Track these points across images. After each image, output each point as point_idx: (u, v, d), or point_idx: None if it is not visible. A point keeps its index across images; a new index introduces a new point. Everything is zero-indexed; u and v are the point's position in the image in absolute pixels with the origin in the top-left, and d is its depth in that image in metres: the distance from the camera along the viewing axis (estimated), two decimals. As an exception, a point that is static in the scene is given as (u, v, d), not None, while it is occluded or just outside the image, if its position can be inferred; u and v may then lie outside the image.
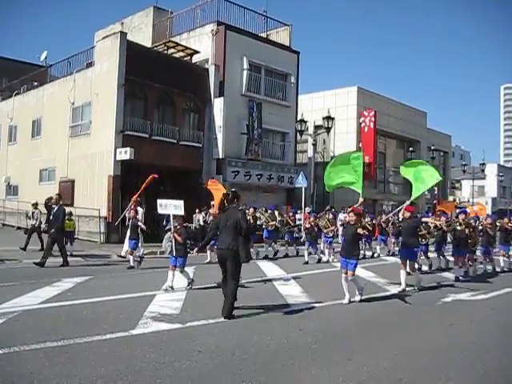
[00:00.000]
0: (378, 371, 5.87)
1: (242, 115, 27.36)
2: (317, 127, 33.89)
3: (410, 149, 39.87)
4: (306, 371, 5.78)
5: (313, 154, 29.51)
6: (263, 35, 30.18)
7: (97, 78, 23.91)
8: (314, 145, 28.74)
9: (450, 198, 54.05)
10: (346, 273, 9.80)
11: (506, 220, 17.19)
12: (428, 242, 15.83)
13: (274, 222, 18.75)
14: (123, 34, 23.54)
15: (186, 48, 27.66)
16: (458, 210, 18.46)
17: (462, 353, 6.82)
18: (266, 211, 19.59)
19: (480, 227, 15.68)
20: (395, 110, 41.78)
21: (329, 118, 26.28)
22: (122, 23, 32.29)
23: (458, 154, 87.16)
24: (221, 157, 26.09)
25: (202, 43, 27.86)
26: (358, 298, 9.88)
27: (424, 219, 14.93)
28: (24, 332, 6.88)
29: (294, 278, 12.96)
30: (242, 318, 8.15)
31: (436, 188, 44.94)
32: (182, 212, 10.82)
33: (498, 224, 16.59)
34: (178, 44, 27.71)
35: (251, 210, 17.40)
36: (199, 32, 28.39)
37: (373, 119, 37.42)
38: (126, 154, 21.82)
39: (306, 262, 16.57)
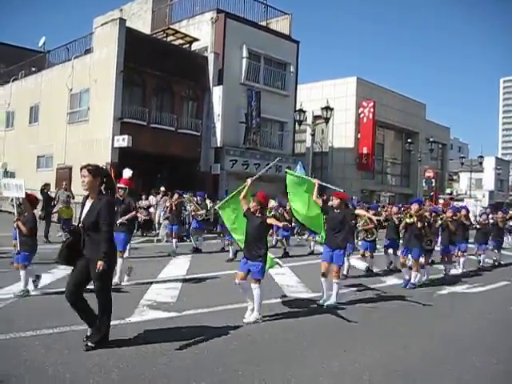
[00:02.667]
0: (374, 363, 5.87)
1: (241, 104, 27.24)
2: (315, 117, 33.78)
3: (409, 140, 39.89)
4: (301, 361, 5.78)
5: (311, 144, 29.41)
6: (263, 24, 29.96)
7: (95, 64, 23.77)
8: (313, 135, 28.64)
9: (448, 191, 54.12)
10: (244, 278, 7.54)
11: (463, 212, 14.12)
12: (376, 237, 12.86)
13: (203, 211, 15.85)
14: (122, 21, 23.39)
15: (186, 35, 27.49)
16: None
17: (457, 346, 6.83)
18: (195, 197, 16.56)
19: (439, 221, 12.83)
20: (394, 101, 41.69)
21: (327, 108, 26.12)
22: (121, 10, 32.07)
23: (457, 146, 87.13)
24: (219, 145, 26.03)
25: (201, 31, 27.67)
26: (251, 318, 7.42)
27: (358, 211, 11.05)
28: (19, 319, 6.86)
29: (291, 268, 12.93)
30: (237, 308, 8.14)
31: (433, 180, 45.03)
32: (23, 194, 9.25)
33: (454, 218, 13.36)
34: (177, 31, 27.54)
35: (175, 196, 15.85)
36: (199, 19, 28.19)
37: (372, 110, 37.37)
38: (123, 141, 21.75)
39: (231, 259, 13.93)
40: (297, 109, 27.83)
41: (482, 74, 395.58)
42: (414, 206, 11.30)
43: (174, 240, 15.15)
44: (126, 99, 22.98)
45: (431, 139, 40.38)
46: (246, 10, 28.97)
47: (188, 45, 27.94)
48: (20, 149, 28.94)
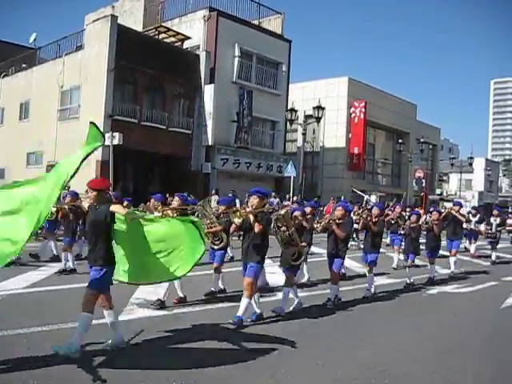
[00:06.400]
0: (362, 360, 5.89)
1: (233, 103, 27.23)
2: (307, 117, 33.80)
3: (400, 141, 39.90)
4: (292, 358, 5.78)
5: (302, 143, 29.42)
6: (255, 23, 29.99)
7: (86, 61, 23.67)
8: (304, 134, 28.64)
9: (438, 191, 54.30)
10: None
11: (374, 210, 10.07)
12: (226, 244, 9.10)
13: (53, 209, 11.59)
14: (114, 18, 23.30)
15: (178, 33, 27.45)
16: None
17: (444, 345, 6.86)
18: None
19: (316, 225, 9.06)
20: (385, 101, 41.75)
21: (319, 108, 26.15)
22: (113, 6, 31.96)
23: (447, 147, 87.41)
24: (210, 144, 26.02)
25: (193, 29, 27.64)
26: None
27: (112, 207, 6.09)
28: (8, 316, 6.82)
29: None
30: (229, 307, 8.12)
31: (424, 181, 45.17)
32: None
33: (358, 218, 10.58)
34: (169, 29, 27.50)
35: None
36: (191, 17, 28.16)
37: (363, 110, 37.41)
38: (114, 139, 21.63)
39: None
40: (288, 108, 27.89)
41: (473, 76, 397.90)
42: (253, 200, 7.21)
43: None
44: (117, 97, 22.93)
45: (422, 140, 40.50)
46: (238, 8, 29.05)
47: (180, 43, 27.91)
48: (10, 146, 28.74)
